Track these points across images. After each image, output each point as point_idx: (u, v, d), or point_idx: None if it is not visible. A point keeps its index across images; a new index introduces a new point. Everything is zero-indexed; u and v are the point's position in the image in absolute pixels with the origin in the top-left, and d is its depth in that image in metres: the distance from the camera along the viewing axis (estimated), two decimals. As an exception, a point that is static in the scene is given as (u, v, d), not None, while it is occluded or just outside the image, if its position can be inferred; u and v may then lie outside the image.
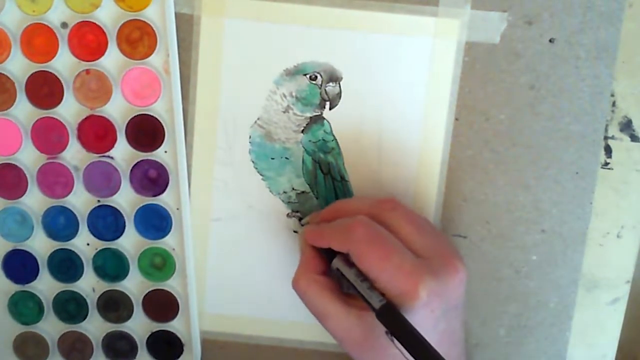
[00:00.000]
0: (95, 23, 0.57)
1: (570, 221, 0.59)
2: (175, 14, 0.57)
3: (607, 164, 0.58)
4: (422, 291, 0.47)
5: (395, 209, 0.52)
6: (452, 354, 0.52)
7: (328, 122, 0.58)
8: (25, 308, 0.63)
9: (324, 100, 0.58)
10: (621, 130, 0.58)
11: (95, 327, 0.64)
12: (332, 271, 0.53)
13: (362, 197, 0.58)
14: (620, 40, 0.56)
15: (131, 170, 0.60)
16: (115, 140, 0.59)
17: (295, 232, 0.61)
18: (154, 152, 0.59)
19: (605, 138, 0.58)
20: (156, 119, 0.58)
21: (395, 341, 0.46)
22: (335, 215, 0.54)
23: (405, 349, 0.45)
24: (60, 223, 0.61)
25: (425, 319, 0.47)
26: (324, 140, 0.58)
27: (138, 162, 0.59)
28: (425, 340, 0.45)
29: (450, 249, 0.52)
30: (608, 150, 0.58)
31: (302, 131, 0.59)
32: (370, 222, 0.50)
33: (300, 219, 0.61)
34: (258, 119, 0.58)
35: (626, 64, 0.57)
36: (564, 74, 0.57)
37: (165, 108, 0.58)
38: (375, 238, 0.49)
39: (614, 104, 0.57)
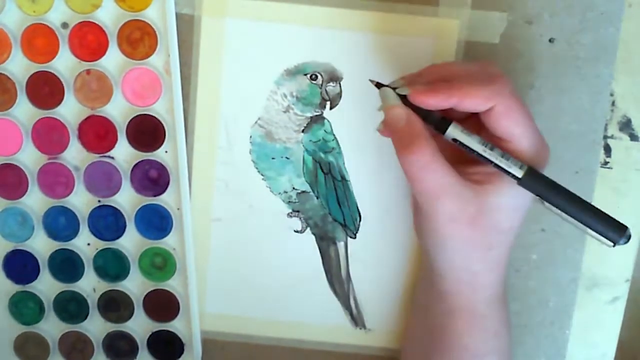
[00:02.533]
0: (95, 23, 0.56)
1: None
2: (176, 14, 0.56)
3: (606, 163, 0.58)
4: (548, 154, 0.48)
5: (508, 85, 0.47)
6: None
7: (329, 121, 0.58)
8: (25, 308, 0.63)
9: (324, 100, 0.58)
10: (620, 129, 0.58)
11: (95, 327, 0.63)
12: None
13: (459, 61, 0.55)
14: (620, 40, 0.56)
15: (132, 170, 0.59)
16: (115, 140, 0.58)
17: (296, 231, 0.60)
18: (155, 152, 0.59)
19: (605, 137, 0.58)
20: (157, 119, 0.58)
21: (548, 204, 0.45)
22: (434, 76, 0.48)
23: (560, 209, 0.44)
24: (60, 223, 0.61)
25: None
26: (324, 140, 0.58)
27: (139, 162, 0.59)
28: (578, 197, 0.44)
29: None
30: (608, 150, 0.58)
31: (303, 131, 0.58)
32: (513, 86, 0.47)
33: (302, 219, 0.60)
34: (259, 118, 0.58)
35: (626, 63, 0.57)
36: (563, 73, 0.57)
37: (165, 108, 0.58)
38: (516, 95, 0.46)
39: (613, 104, 0.57)
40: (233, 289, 0.62)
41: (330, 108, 0.58)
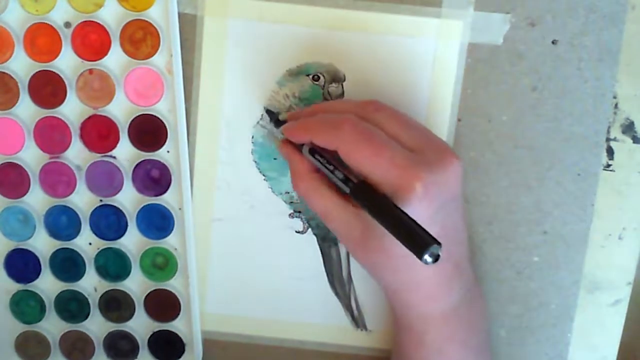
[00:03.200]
0: (98, 23, 0.56)
1: (572, 223, 0.59)
2: (179, 14, 0.56)
3: (609, 165, 0.58)
4: (416, 183, 0.45)
5: (382, 109, 0.50)
6: (455, 252, 0.51)
7: (331, 122, 0.57)
8: (27, 307, 0.63)
9: (326, 101, 0.57)
10: (623, 132, 0.57)
11: (96, 326, 0.63)
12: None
13: (345, 99, 0.56)
14: (623, 42, 0.56)
15: (133, 169, 0.59)
16: (117, 140, 0.58)
17: (298, 232, 0.60)
18: (157, 152, 0.59)
19: (607, 140, 0.57)
20: (159, 119, 0.58)
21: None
22: (316, 113, 0.52)
23: (384, 224, 0.43)
24: (62, 222, 0.61)
25: (422, 211, 0.45)
26: (326, 140, 0.58)
27: (140, 162, 0.59)
28: (405, 213, 0.43)
29: (441, 141, 0.50)
30: (610, 152, 0.58)
31: (305, 131, 0.58)
32: (359, 120, 0.48)
33: (304, 220, 0.60)
34: (261, 119, 0.58)
35: (629, 66, 0.56)
36: (566, 75, 0.57)
37: (168, 108, 0.58)
38: (364, 134, 0.47)
39: (616, 106, 0.57)
40: (234, 289, 0.62)
41: (333, 109, 0.57)
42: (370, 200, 0.45)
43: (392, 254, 0.48)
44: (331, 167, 0.48)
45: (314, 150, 0.50)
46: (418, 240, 0.41)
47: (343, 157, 0.47)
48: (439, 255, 0.41)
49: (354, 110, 0.50)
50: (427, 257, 0.41)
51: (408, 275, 0.50)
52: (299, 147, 0.52)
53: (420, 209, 0.45)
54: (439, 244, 0.41)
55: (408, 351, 0.54)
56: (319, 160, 0.49)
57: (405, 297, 0.52)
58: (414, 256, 0.42)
